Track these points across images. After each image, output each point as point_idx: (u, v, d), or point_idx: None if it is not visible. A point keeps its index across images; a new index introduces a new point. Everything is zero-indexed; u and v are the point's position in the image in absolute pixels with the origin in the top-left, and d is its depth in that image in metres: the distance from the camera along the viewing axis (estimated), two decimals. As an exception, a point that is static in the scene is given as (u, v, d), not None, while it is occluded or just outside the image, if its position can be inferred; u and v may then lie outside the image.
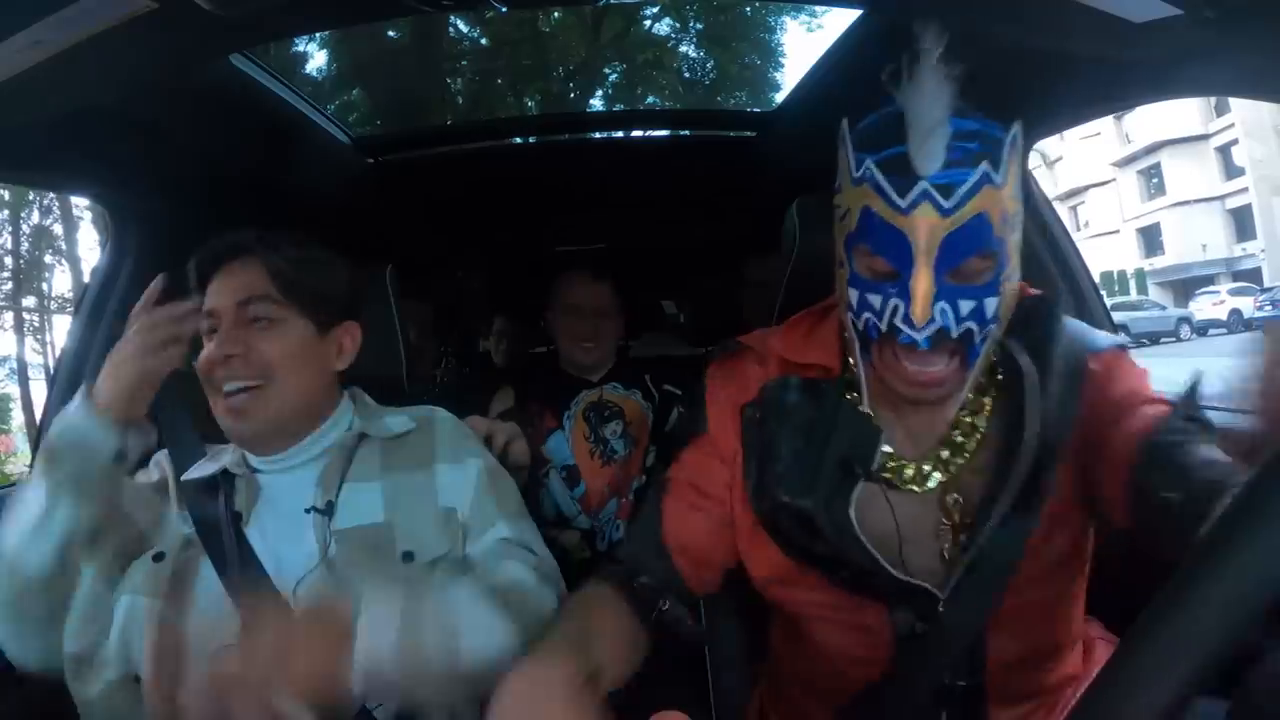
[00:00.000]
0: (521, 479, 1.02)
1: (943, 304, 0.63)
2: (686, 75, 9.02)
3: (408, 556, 0.80)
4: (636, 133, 1.65)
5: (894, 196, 0.63)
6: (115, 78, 0.76)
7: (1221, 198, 21.24)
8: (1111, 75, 0.80)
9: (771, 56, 9.07)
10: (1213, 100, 18.15)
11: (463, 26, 7.84)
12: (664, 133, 1.62)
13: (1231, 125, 20.24)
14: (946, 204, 0.61)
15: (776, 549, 0.73)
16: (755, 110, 1.48)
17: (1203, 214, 21.38)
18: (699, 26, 8.93)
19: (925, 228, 0.62)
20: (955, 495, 0.70)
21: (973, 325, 0.64)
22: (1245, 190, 20.07)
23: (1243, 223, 20.54)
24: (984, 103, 1.07)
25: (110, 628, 0.75)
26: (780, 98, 1.30)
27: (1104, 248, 23.18)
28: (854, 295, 0.68)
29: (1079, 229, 20.44)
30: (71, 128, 0.84)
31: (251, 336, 0.76)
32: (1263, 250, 19.59)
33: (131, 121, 0.90)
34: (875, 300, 0.66)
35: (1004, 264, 0.65)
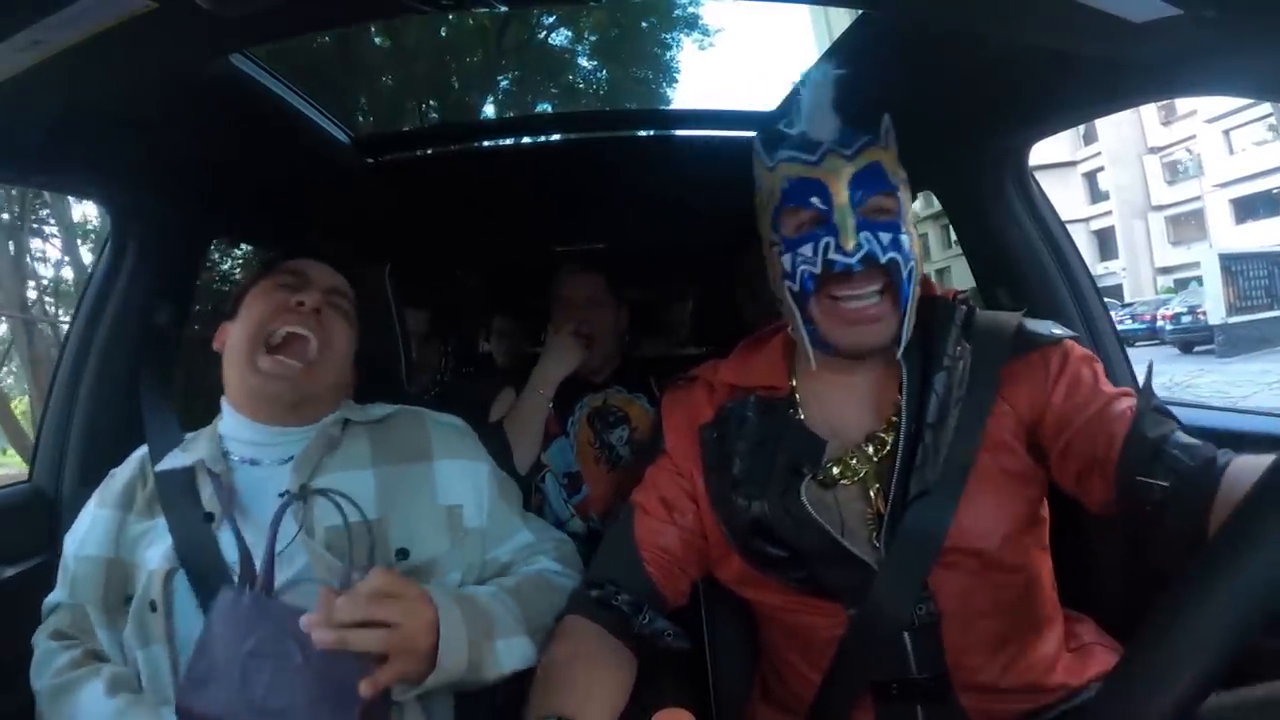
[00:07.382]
0: None
1: (865, 233, 0.75)
2: (580, 85, 9.48)
3: (402, 554, 0.79)
4: (637, 133, 1.64)
5: (806, 156, 0.78)
6: (115, 78, 0.75)
7: (1087, 220, 22.73)
8: (1111, 75, 0.80)
9: (665, 72, 9.81)
10: (1081, 130, 19.89)
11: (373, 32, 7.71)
12: (664, 133, 1.62)
13: (1098, 154, 22.32)
14: (848, 151, 0.77)
15: (739, 558, 0.81)
16: (756, 110, 1.47)
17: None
18: (594, 39, 9.46)
19: (836, 169, 0.77)
20: (876, 485, 0.78)
21: (896, 255, 0.75)
22: (1109, 213, 22.09)
23: (1106, 243, 22.34)
24: (984, 105, 1.07)
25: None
26: (779, 98, 1.30)
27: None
28: (788, 259, 0.78)
29: (949, 246, 21.20)
30: (71, 128, 0.84)
31: None
32: (1124, 269, 21.59)
33: (131, 121, 0.90)
34: (807, 249, 0.76)
35: (902, 210, 0.77)
